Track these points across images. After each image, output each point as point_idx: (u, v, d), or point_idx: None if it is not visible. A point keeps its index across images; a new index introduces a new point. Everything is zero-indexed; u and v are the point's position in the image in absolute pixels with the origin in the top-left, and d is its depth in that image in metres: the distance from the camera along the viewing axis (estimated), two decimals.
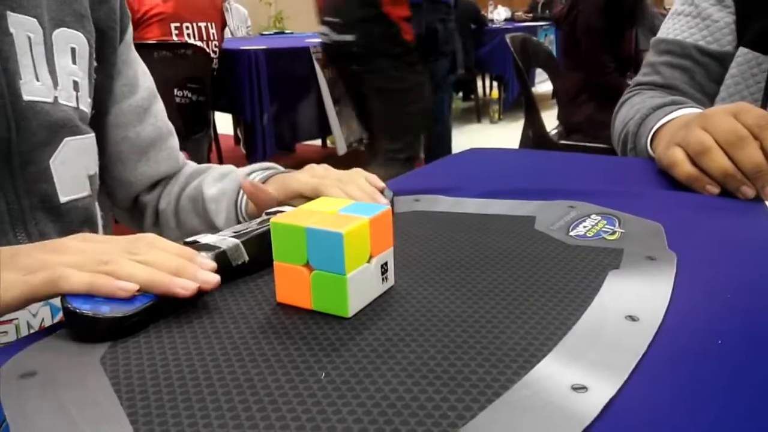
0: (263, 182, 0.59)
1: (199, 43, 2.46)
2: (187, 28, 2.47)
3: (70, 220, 0.57)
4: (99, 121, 0.63)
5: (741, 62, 0.80)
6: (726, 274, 0.41)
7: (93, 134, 0.59)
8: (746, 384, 0.29)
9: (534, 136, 2.35)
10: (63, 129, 0.55)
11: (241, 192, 0.61)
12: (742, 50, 0.80)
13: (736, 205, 0.54)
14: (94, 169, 0.61)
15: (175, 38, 2.42)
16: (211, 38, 2.56)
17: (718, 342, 0.33)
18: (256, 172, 0.62)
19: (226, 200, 0.62)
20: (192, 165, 0.73)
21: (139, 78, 0.68)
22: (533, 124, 2.38)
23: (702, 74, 0.86)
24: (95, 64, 0.61)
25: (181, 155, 0.74)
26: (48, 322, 0.54)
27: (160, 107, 0.70)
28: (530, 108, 2.39)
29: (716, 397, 0.28)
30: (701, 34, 0.85)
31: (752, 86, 0.79)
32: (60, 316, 0.53)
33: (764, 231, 0.48)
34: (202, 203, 0.64)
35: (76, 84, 0.57)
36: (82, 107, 0.58)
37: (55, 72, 0.55)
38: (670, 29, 0.88)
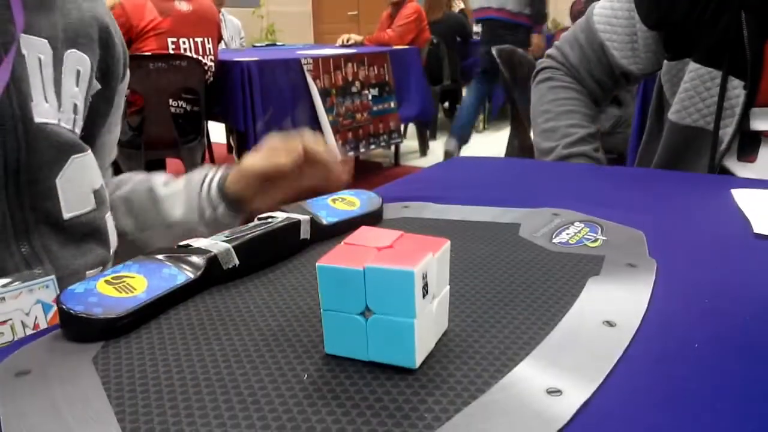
0: (224, 178, 0.65)
1: (196, 57, 2.48)
2: (184, 43, 2.49)
3: (72, 234, 0.58)
4: (89, 143, 0.64)
5: (694, 77, 0.83)
6: (705, 280, 0.42)
7: (90, 150, 0.60)
8: (721, 388, 0.30)
9: (520, 146, 2.38)
10: (70, 149, 0.57)
11: (207, 180, 0.66)
12: (693, 65, 0.83)
13: (719, 214, 0.56)
14: (99, 182, 0.62)
15: (171, 52, 2.44)
16: (207, 53, 2.58)
17: (694, 346, 0.33)
18: (209, 172, 0.67)
19: (185, 194, 0.67)
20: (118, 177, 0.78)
21: (119, 117, 0.72)
22: (519, 134, 2.40)
23: (603, 72, 0.96)
24: (98, 86, 0.63)
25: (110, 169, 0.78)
26: (42, 320, 0.55)
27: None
28: (516, 118, 2.41)
29: (690, 402, 0.29)
30: (621, 50, 0.92)
31: (707, 99, 0.82)
32: (52, 313, 0.54)
33: (744, 239, 0.49)
34: (153, 202, 0.67)
35: (75, 107, 0.59)
36: (76, 130, 0.59)
37: (60, 94, 0.57)
38: (605, 20, 0.93)
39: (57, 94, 0.56)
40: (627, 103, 2.38)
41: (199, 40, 2.54)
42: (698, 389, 0.30)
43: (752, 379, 0.30)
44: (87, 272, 0.60)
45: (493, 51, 2.43)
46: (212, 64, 2.62)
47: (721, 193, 0.61)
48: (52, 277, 0.56)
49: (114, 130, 0.70)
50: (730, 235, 0.51)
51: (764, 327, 0.35)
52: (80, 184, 0.58)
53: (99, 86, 0.63)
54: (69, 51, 0.58)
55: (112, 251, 0.65)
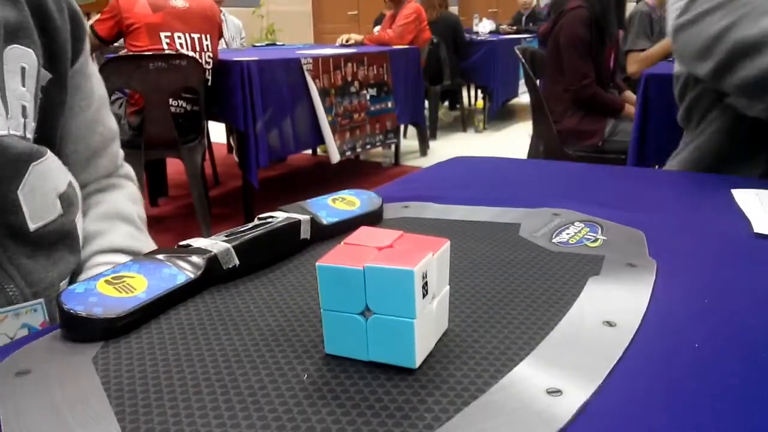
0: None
1: (191, 53, 2.47)
2: (179, 38, 2.48)
3: (41, 244, 0.55)
4: (49, 136, 0.59)
5: None
6: (705, 280, 0.42)
7: (49, 152, 0.56)
8: (721, 389, 0.30)
9: (546, 147, 2.38)
10: (28, 158, 0.53)
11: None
12: None
13: (719, 214, 0.56)
14: (65, 183, 0.58)
15: (165, 46, 2.44)
16: (205, 49, 2.57)
17: (694, 347, 0.33)
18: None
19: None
20: (126, 168, 0.73)
21: (94, 90, 0.67)
22: (543, 134, 2.39)
23: None
24: (49, 76, 0.58)
25: (121, 154, 0.73)
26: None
27: (106, 111, 0.69)
28: (540, 118, 2.41)
29: (690, 402, 0.29)
30: None
31: None
32: (42, 321, 0.54)
33: (744, 239, 0.49)
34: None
35: (24, 109, 0.54)
36: (28, 135, 0.55)
37: (6, 99, 0.52)
38: None
39: (2, 99, 0.51)
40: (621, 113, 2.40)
41: (196, 36, 2.53)
42: (698, 389, 0.30)
43: (752, 380, 0.30)
44: (62, 284, 0.57)
45: (516, 50, 2.44)
46: (211, 61, 2.61)
47: (722, 193, 0.61)
48: (41, 300, 0.54)
49: (81, 113, 0.65)
50: (731, 234, 0.51)
51: (765, 327, 0.35)
52: (44, 191, 0.54)
53: (49, 75, 0.58)
54: (9, 48, 0.53)
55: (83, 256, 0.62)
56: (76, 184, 0.61)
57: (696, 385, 0.30)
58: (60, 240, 0.57)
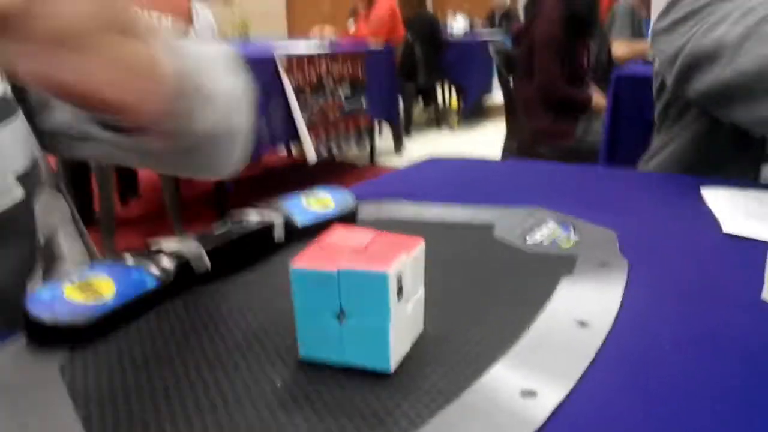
0: None
1: None
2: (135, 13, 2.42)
3: None
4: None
5: None
6: (675, 279, 0.43)
7: (15, 116, 0.47)
8: (694, 387, 0.30)
9: (519, 146, 2.40)
10: None
11: None
12: None
13: (689, 214, 0.57)
14: (26, 162, 0.49)
15: None
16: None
17: (665, 346, 0.34)
18: None
19: None
20: None
21: None
22: (516, 134, 2.41)
23: None
24: None
25: None
26: None
27: None
28: (513, 117, 2.43)
29: (664, 402, 0.29)
30: None
31: None
32: None
33: (714, 238, 0.50)
34: None
35: None
36: None
37: None
38: None
39: None
40: (590, 113, 2.44)
41: (154, 14, 2.48)
42: (672, 389, 0.30)
43: (723, 377, 0.31)
44: (20, 279, 0.49)
45: (490, 48, 2.46)
46: None
47: (692, 193, 0.62)
48: None
49: None
50: (700, 234, 0.52)
51: (734, 325, 0.36)
52: None
53: None
54: None
55: (43, 240, 0.52)
56: (40, 154, 0.52)
57: (669, 385, 0.30)
58: (13, 230, 0.48)
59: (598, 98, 2.39)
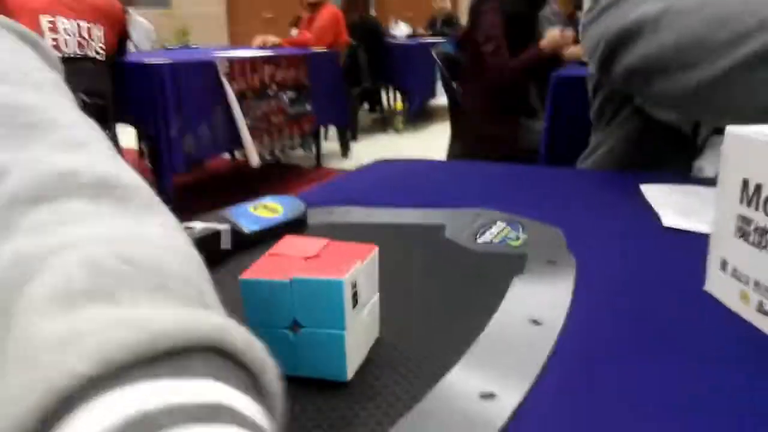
0: None
1: (78, 41, 2.33)
2: (63, 23, 2.32)
3: None
4: None
5: None
6: (620, 273, 0.44)
7: None
8: (641, 382, 0.31)
9: (464, 148, 2.41)
10: None
11: None
12: None
13: (630, 209, 0.58)
14: None
15: (47, 31, 2.25)
16: (95, 40, 2.43)
17: (614, 341, 0.34)
18: None
19: None
20: None
21: None
22: (461, 136, 2.43)
23: None
24: None
25: None
26: None
27: None
28: (457, 120, 2.45)
29: (615, 399, 0.29)
30: None
31: None
32: None
33: (655, 232, 0.52)
34: None
35: None
36: None
37: None
38: None
39: None
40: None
41: (84, 24, 2.39)
42: (623, 382, 0.30)
43: (672, 371, 0.31)
44: None
45: (432, 52, 2.46)
46: (103, 53, 2.47)
47: (632, 189, 0.64)
48: None
49: None
50: (642, 228, 0.53)
51: (678, 317, 0.37)
52: None
53: None
54: None
55: None
56: None
57: (620, 381, 0.31)
58: None
59: (546, 39, 2.31)
